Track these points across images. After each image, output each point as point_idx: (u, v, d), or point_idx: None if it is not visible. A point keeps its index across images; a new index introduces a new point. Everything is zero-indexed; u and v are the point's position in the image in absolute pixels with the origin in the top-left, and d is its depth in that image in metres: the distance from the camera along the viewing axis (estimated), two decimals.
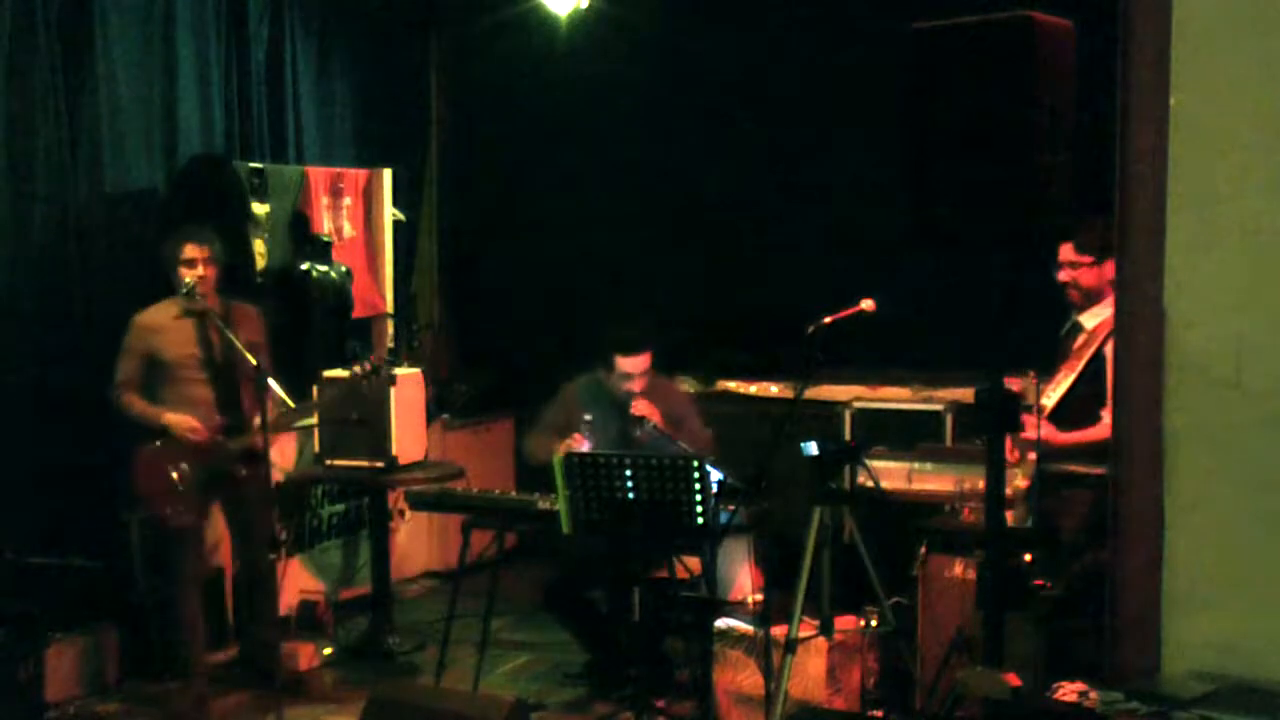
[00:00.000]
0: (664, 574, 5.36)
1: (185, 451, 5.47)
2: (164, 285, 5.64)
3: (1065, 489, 4.75)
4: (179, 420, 5.45)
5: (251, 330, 5.62)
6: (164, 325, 5.57)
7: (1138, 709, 3.29)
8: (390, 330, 7.78)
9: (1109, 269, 4.86)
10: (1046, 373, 4.88)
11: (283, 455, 6.54)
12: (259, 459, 5.54)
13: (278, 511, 6.36)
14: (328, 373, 6.42)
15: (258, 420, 5.40)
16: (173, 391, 5.54)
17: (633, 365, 5.62)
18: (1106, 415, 4.65)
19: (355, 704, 4.76)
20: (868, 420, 6.27)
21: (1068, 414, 4.77)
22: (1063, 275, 4.95)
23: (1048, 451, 4.66)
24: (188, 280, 5.45)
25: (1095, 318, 4.89)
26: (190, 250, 5.49)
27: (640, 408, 5.57)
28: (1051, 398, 4.77)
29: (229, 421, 5.54)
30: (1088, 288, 4.93)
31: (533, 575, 6.19)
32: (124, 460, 5.56)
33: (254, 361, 5.24)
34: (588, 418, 5.64)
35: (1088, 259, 4.89)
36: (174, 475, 5.45)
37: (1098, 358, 4.78)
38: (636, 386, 5.61)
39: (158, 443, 5.48)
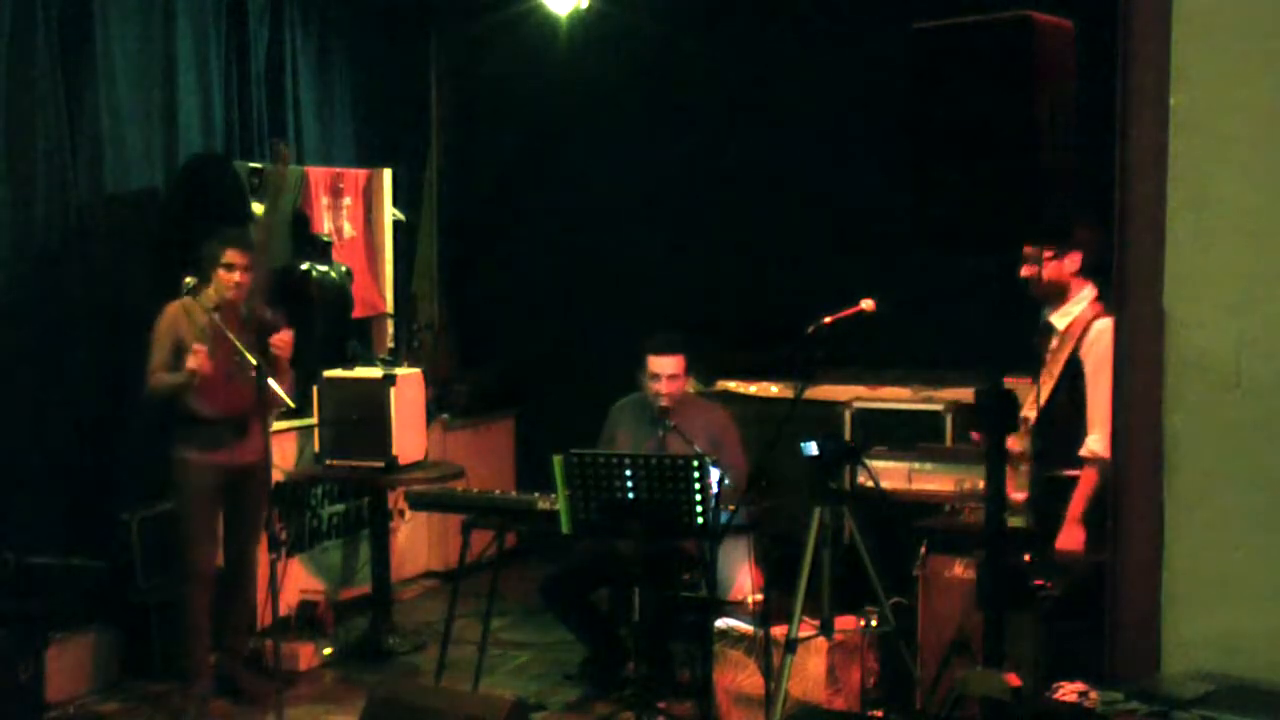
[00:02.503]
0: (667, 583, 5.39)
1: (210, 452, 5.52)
2: (167, 284, 5.63)
3: (1063, 494, 4.74)
4: (195, 355, 5.40)
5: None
6: (195, 318, 5.55)
7: (1138, 709, 3.28)
8: (390, 330, 7.79)
9: (1070, 262, 4.81)
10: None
11: (283, 455, 6.54)
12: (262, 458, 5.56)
13: (278, 511, 6.35)
14: (328, 373, 6.43)
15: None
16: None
17: (661, 366, 5.65)
18: (1091, 440, 4.62)
19: (355, 704, 4.77)
20: (868, 420, 6.26)
21: (1052, 422, 4.72)
22: (1025, 270, 4.79)
23: (1044, 455, 4.65)
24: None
25: (1066, 316, 4.83)
26: (230, 255, 5.52)
27: (668, 401, 5.64)
28: (1035, 408, 4.73)
29: (237, 422, 5.56)
30: (1049, 281, 4.81)
31: (533, 575, 6.19)
32: (124, 461, 5.55)
33: (254, 362, 5.25)
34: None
35: (1049, 252, 4.78)
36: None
37: (1074, 360, 4.76)
38: (664, 388, 5.63)
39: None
